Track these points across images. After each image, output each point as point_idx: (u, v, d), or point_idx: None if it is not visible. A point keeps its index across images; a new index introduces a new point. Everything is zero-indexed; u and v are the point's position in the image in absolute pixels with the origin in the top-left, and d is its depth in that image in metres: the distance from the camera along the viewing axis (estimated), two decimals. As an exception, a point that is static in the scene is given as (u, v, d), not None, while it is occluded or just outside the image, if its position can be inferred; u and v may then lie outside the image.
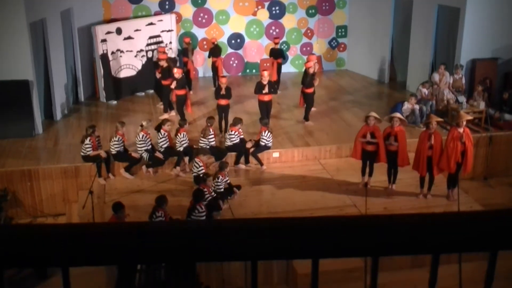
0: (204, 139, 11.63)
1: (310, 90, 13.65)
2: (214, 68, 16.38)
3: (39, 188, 11.29)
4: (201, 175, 10.37)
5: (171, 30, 16.85)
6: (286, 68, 18.03)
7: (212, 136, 11.71)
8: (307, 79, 13.62)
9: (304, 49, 18.75)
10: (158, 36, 16.55)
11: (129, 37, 15.88)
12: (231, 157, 11.96)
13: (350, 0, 18.62)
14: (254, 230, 1.13)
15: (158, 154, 11.54)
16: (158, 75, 14.39)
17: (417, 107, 13.51)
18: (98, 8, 16.74)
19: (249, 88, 15.17)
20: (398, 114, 10.91)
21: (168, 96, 14.21)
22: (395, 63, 17.58)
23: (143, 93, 16.35)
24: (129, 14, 17.21)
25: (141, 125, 11.72)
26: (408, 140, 11.04)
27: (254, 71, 18.42)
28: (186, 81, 14.36)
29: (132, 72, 16.14)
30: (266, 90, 12.87)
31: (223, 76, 13.78)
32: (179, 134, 11.69)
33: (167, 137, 11.65)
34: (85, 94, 15.85)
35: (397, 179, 10.93)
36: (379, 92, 16.93)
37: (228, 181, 10.67)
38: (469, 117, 11.24)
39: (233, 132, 11.83)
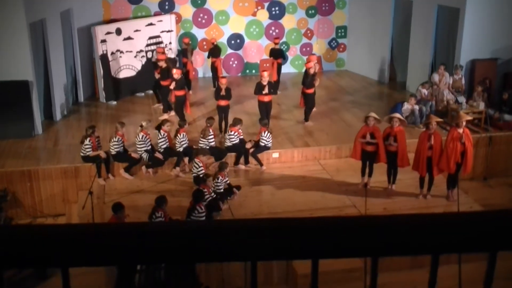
0: (204, 140, 11.62)
1: (310, 91, 13.64)
2: (214, 69, 16.35)
3: (39, 189, 11.29)
4: (201, 176, 10.37)
5: (171, 31, 16.84)
6: (286, 68, 18.01)
7: (212, 136, 11.70)
8: (307, 79, 13.60)
9: (304, 49, 18.74)
10: (158, 36, 16.53)
11: (129, 38, 15.88)
12: (230, 157, 11.96)
13: (350, 0, 18.61)
14: (254, 230, 1.13)
15: (157, 155, 11.53)
16: (157, 76, 14.39)
17: (416, 107, 13.51)
18: (98, 9, 16.73)
19: (249, 88, 15.16)
20: (397, 115, 10.92)
21: (167, 96, 14.20)
22: (395, 64, 17.58)
23: (143, 94, 16.33)
24: (128, 14, 17.21)
25: (141, 126, 11.72)
26: (408, 141, 11.03)
27: (254, 71, 18.41)
28: (186, 82, 14.36)
29: (132, 73, 16.13)
30: (266, 90, 12.86)
31: (223, 77, 13.75)
32: (178, 135, 11.69)
33: (166, 137, 11.65)
34: (84, 94, 15.84)
35: (397, 180, 10.93)
36: (379, 92, 16.92)
37: (228, 182, 10.67)
38: (469, 118, 11.26)
39: (232, 133, 11.82)
